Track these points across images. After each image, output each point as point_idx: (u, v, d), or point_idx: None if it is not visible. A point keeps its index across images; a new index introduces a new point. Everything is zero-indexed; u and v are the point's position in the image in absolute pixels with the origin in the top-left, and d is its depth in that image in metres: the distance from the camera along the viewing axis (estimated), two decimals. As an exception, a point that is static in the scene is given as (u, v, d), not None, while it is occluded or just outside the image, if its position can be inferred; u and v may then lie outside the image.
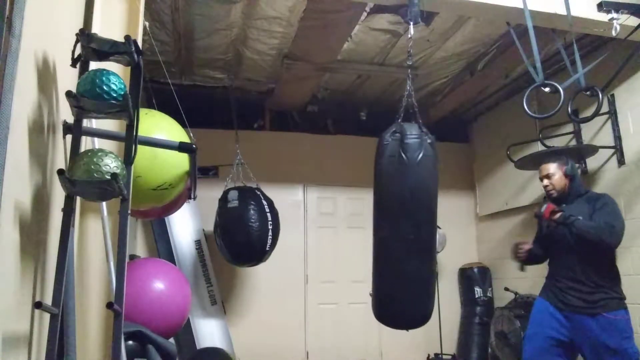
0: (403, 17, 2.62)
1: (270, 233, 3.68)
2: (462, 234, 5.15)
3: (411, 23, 2.54)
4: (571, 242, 2.59)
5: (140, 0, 2.22)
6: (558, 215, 2.57)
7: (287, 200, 4.88)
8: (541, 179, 2.78)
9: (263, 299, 4.60)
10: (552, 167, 2.73)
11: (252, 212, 3.64)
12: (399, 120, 2.45)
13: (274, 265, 4.59)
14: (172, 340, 2.85)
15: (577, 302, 2.57)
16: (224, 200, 3.75)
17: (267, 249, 3.71)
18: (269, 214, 3.71)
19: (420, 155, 2.38)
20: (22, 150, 1.14)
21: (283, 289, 4.71)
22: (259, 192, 3.82)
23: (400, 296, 2.39)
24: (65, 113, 1.41)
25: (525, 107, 2.61)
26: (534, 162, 3.93)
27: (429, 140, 2.41)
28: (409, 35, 2.52)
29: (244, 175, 4.11)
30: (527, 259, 2.86)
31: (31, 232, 1.21)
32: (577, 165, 2.78)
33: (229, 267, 4.28)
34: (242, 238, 3.65)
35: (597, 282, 2.55)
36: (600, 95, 2.61)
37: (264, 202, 3.75)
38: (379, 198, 2.53)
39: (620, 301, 2.56)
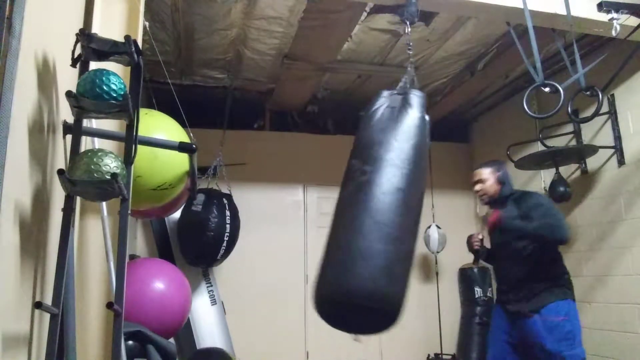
0: (401, 16, 2.61)
1: (224, 244, 3.75)
2: (462, 234, 5.12)
3: (407, 23, 2.53)
4: (510, 247, 2.69)
5: (140, 0, 2.22)
6: (503, 219, 2.66)
7: (287, 200, 4.88)
8: (473, 184, 2.86)
9: (263, 299, 4.60)
10: (486, 173, 2.80)
11: (211, 220, 3.71)
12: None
13: (274, 265, 4.60)
14: (172, 340, 2.85)
15: (515, 306, 2.66)
16: (190, 200, 3.79)
17: (219, 258, 3.80)
18: (228, 225, 3.77)
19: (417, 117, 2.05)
20: (22, 150, 1.14)
21: (283, 289, 4.71)
22: (226, 200, 3.86)
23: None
24: (65, 113, 1.41)
25: (525, 107, 2.60)
26: (534, 162, 3.94)
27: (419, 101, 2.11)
28: (406, 33, 2.51)
29: (230, 178, 4.12)
30: (482, 253, 3.02)
31: (31, 232, 1.21)
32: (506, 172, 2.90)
33: (229, 267, 4.28)
34: (196, 243, 3.74)
35: (534, 285, 2.61)
36: (600, 95, 2.61)
37: (227, 213, 3.80)
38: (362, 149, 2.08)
39: (559, 294, 2.58)
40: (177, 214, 3.98)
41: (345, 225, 1.86)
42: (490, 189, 2.79)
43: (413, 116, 2.06)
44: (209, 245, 3.72)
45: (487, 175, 2.80)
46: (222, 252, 3.77)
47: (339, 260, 1.85)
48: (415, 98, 2.10)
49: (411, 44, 2.46)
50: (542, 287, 2.59)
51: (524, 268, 2.64)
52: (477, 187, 2.83)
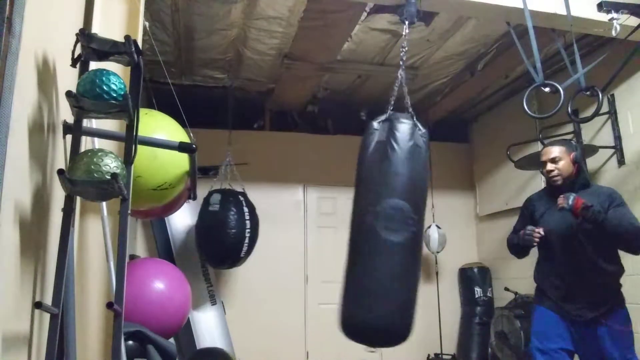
0: (400, 16, 2.61)
1: (247, 240, 3.73)
2: (462, 234, 5.15)
3: (406, 22, 2.53)
4: (575, 238, 2.37)
5: (140, 0, 2.22)
6: (590, 211, 2.27)
7: (287, 200, 4.88)
8: (544, 164, 2.49)
9: (263, 299, 4.60)
10: (559, 151, 2.47)
11: (231, 218, 3.69)
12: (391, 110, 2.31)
13: (274, 265, 4.60)
14: (172, 340, 2.85)
15: (578, 309, 2.38)
16: (206, 202, 3.78)
17: (242, 255, 3.78)
18: (248, 222, 3.76)
19: (411, 144, 2.15)
20: (22, 150, 1.14)
21: (283, 289, 4.71)
22: (242, 198, 3.85)
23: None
24: (65, 113, 1.41)
25: (525, 107, 2.60)
26: (534, 162, 3.94)
27: (420, 132, 2.20)
28: (404, 34, 2.51)
29: (234, 177, 4.12)
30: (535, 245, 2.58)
31: (31, 232, 1.21)
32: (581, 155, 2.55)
33: (229, 267, 4.27)
34: (219, 242, 3.71)
35: (603, 282, 2.38)
36: (600, 95, 2.60)
37: (245, 209, 3.79)
38: (361, 185, 2.30)
39: (622, 301, 2.45)
40: (184, 217, 4.00)
41: (406, 270, 2.11)
42: (565, 169, 2.45)
43: (428, 154, 2.24)
44: (232, 244, 3.69)
45: (561, 154, 2.46)
46: (245, 249, 3.74)
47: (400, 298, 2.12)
48: (426, 135, 2.24)
49: (407, 47, 2.45)
50: (609, 292, 2.39)
51: (591, 267, 2.36)
52: (550, 166, 2.46)
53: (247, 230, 3.74)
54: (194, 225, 4.16)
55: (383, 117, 2.25)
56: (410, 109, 2.30)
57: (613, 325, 2.33)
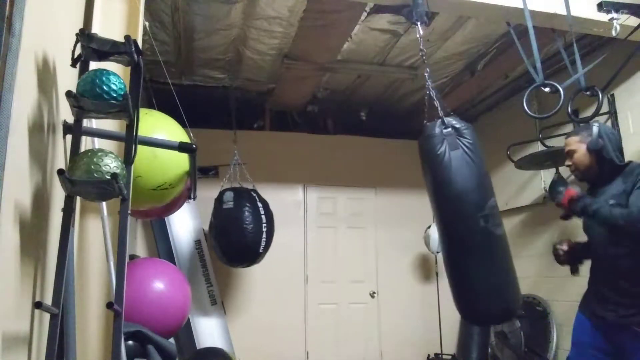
0: (409, 18, 2.59)
1: (264, 235, 3.71)
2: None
3: (418, 24, 2.52)
4: (606, 239, 2.10)
5: (140, 0, 2.22)
6: (578, 205, 2.06)
7: (287, 200, 4.88)
8: (566, 157, 2.29)
9: (263, 299, 4.60)
10: (574, 142, 2.21)
11: (246, 213, 3.67)
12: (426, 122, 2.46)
13: (274, 265, 4.60)
14: (172, 340, 2.85)
15: (611, 315, 2.09)
16: (219, 201, 3.77)
17: (261, 250, 3.74)
18: (263, 216, 3.74)
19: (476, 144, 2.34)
20: (22, 150, 1.14)
21: (283, 289, 4.71)
22: (254, 194, 3.84)
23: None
24: (65, 113, 1.41)
25: (525, 107, 2.60)
26: (534, 162, 3.94)
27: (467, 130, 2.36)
28: (418, 36, 2.51)
29: (241, 176, 4.12)
30: (573, 261, 2.36)
31: (31, 232, 1.21)
32: (605, 135, 2.16)
33: (229, 267, 4.28)
34: (236, 240, 3.68)
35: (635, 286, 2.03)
36: (600, 95, 2.60)
37: (259, 204, 3.77)
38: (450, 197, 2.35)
39: None
40: (183, 216, 3.99)
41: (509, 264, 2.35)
42: (581, 161, 2.17)
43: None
44: (250, 239, 3.67)
45: (576, 145, 2.19)
46: (263, 244, 3.72)
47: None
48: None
49: (422, 48, 2.49)
50: None
51: (624, 269, 2.05)
52: (568, 161, 2.25)
53: (264, 225, 3.71)
54: (200, 227, 4.17)
55: (440, 124, 2.37)
56: (450, 112, 2.47)
57: None
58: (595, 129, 2.14)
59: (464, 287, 2.36)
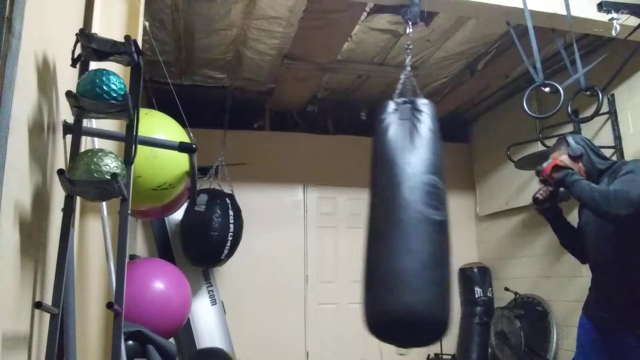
0: (403, 16, 2.60)
1: (228, 243, 3.75)
2: (462, 234, 5.14)
3: (410, 22, 2.53)
4: (602, 236, 2.03)
5: (140, 0, 2.22)
6: (561, 172, 2.04)
7: (287, 200, 4.88)
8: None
9: (263, 299, 4.60)
10: (555, 156, 2.23)
11: (215, 220, 3.71)
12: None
13: (274, 265, 4.60)
14: (172, 340, 2.85)
15: (608, 316, 2.04)
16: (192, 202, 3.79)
17: (222, 257, 3.80)
18: (232, 225, 3.78)
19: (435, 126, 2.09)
20: (22, 150, 1.14)
21: (283, 289, 4.71)
22: (229, 200, 3.87)
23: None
24: (65, 113, 1.41)
25: (525, 107, 2.60)
26: (534, 162, 3.94)
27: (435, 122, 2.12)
28: (407, 33, 2.51)
29: (231, 177, 4.13)
30: (550, 203, 2.27)
31: (31, 232, 1.21)
32: (581, 141, 2.19)
33: (229, 267, 4.28)
34: (200, 244, 3.74)
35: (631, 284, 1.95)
36: (600, 95, 2.60)
37: (231, 212, 3.81)
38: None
39: None
40: (179, 215, 4.00)
41: (443, 257, 1.86)
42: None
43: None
44: (213, 245, 3.72)
45: (560, 158, 2.20)
46: (226, 251, 3.77)
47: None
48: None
49: (411, 45, 2.44)
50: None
51: (620, 268, 1.98)
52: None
53: (230, 234, 3.77)
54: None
55: (401, 100, 2.14)
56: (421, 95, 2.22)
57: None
58: (570, 138, 2.20)
59: (370, 273, 1.89)
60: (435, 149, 2.04)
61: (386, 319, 1.79)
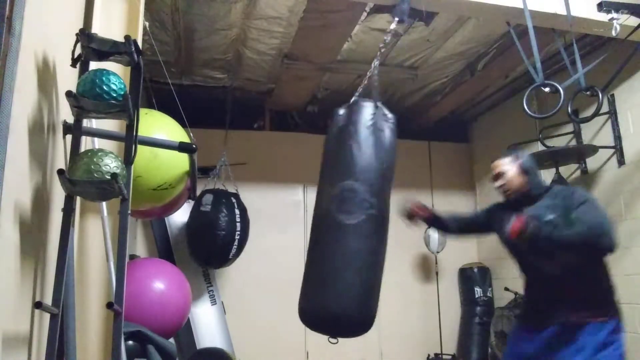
0: (392, 14, 2.61)
1: (235, 242, 3.74)
2: (462, 234, 5.14)
3: (396, 19, 2.54)
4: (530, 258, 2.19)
5: (140, 0, 2.22)
6: (526, 234, 1.94)
7: (287, 200, 4.88)
8: (494, 180, 2.29)
9: (263, 299, 4.60)
10: (505, 164, 2.25)
11: (221, 219, 3.69)
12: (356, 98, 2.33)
13: (274, 265, 4.60)
14: (172, 340, 2.85)
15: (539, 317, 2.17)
16: (198, 202, 3.78)
17: (230, 257, 3.78)
18: (238, 224, 3.76)
19: (371, 128, 2.17)
20: (22, 150, 1.14)
21: (283, 288, 4.70)
22: (234, 199, 3.85)
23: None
24: (65, 113, 1.41)
25: (525, 107, 2.60)
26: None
27: (385, 117, 2.22)
28: (390, 29, 2.52)
29: (234, 178, 4.13)
30: (421, 217, 2.43)
31: (31, 232, 1.21)
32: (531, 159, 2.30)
33: (229, 267, 4.28)
34: (208, 244, 3.71)
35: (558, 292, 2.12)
36: (600, 95, 2.60)
37: (237, 211, 3.79)
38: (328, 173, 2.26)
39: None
40: (179, 217, 4.00)
41: (362, 255, 2.07)
42: (514, 181, 2.21)
43: (395, 143, 2.22)
44: (221, 245, 3.70)
45: (507, 166, 2.23)
46: (233, 251, 3.75)
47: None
48: (394, 122, 2.24)
49: (387, 39, 2.45)
50: (564, 304, 2.13)
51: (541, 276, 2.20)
52: (498, 182, 2.25)
53: (237, 233, 3.75)
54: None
55: (347, 105, 2.27)
56: (377, 98, 2.31)
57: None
58: (524, 152, 2.31)
59: (304, 272, 2.17)
60: (365, 152, 2.11)
61: (308, 313, 2.12)
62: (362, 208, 2.02)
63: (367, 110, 2.20)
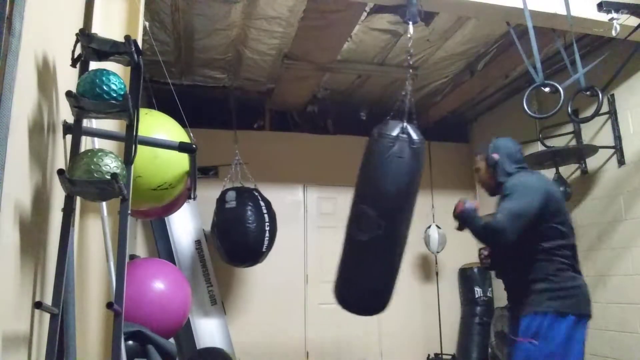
0: (402, 17, 2.61)
1: (267, 234, 3.71)
2: (462, 234, 5.10)
3: (410, 23, 2.53)
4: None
5: (140, 0, 2.22)
6: (461, 214, 2.19)
7: (287, 200, 4.88)
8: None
9: (263, 299, 4.60)
10: (478, 160, 2.36)
11: (249, 213, 3.67)
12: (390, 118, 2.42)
13: (274, 265, 4.60)
14: (172, 340, 2.85)
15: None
16: (221, 200, 3.77)
17: (264, 250, 3.74)
18: (266, 215, 3.74)
19: (388, 156, 2.34)
20: (22, 150, 1.14)
21: (283, 289, 4.71)
22: (256, 193, 3.84)
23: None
24: (65, 113, 1.41)
25: (525, 107, 2.60)
26: (534, 162, 3.93)
27: (410, 141, 2.34)
28: (409, 35, 2.52)
29: (242, 175, 4.12)
30: (494, 265, 2.44)
31: (31, 232, 1.21)
32: (502, 149, 2.32)
33: (229, 267, 4.28)
34: (239, 239, 3.68)
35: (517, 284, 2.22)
36: (600, 95, 2.60)
37: (262, 203, 3.78)
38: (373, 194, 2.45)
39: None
40: (188, 219, 3.97)
41: (363, 267, 2.48)
42: (484, 177, 2.32)
43: (420, 165, 2.42)
44: (253, 238, 3.67)
45: (480, 163, 2.34)
46: (266, 243, 3.72)
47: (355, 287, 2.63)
48: (420, 144, 2.38)
49: (412, 51, 2.48)
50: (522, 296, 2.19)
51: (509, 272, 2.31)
52: (476, 177, 2.40)
53: (267, 224, 3.72)
54: (200, 227, 4.16)
55: (378, 127, 2.42)
56: (405, 120, 2.39)
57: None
58: (490, 145, 2.32)
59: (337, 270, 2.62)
60: (379, 179, 2.37)
61: (338, 300, 2.69)
62: (372, 228, 2.35)
63: (389, 137, 2.34)
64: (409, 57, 2.54)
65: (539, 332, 2.00)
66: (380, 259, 2.42)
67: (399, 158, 2.29)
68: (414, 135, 2.33)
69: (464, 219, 2.16)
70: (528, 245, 2.08)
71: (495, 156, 2.27)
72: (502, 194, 2.15)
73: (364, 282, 2.47)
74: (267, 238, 3.71)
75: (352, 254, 2.51)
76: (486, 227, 2.06)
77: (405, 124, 2.33)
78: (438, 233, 4.71)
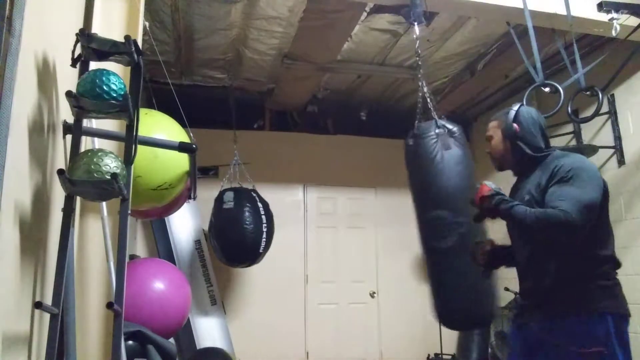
0: (406, 18, 2.60)
1: (264, 235, 3.73)
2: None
3: (415, 24, 2.53)
4: (521, 240, 1.87)
5: (140, 0, 2.22)
6: (490, 200, 1.76)
7: (287, 200, 4.88)
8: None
9: (263, 299, 4.60)
10: (492, 127, 1.92)
11: (247, 214, 3.69)
12: (418, 122, 2.52)
13: (274, 265, 4.60)
14: (172, 340, 2.85)
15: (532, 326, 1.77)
16: (219, 201, 3.78)
17: (261, 250, 3.76)
18: (263, 216, 3.75)
19: (437, 153, 2.41)
20: (22, 150, 1.14)
21: (283, 289, 4.71)
22: (254, 194, 3.86)
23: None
24: (65, 113, 1.41)
25: (525, 107, 2.60)
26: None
27: (451, 133, 2.44)
28: (415, 36, 2.52)
29: (241, 176, 4.13)
30: (491, 264, 1.98)
31: (31, 232, 1.21)
32: (524, 119, 1.85)
33: (228, 267, 4.28)
34: (236, 239, 3.70)
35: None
36: (600, 95, 2.61)
37: (259, 204, 3.79)
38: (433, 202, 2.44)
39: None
40: (188, 219, 3.97)
41: (456, 275, 2.39)
42: (496, 148, 1.89)
43: (466, 150, 2.47)
44: (250, 239, 3.69)
45: (493, 130, 1.90)
46: (263, 244, 3.73)
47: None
48: (459, 132, 2.46)
49: (419, 51, 2.51)
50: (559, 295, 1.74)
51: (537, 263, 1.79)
52: (487, 148, 1.95)
53: (264, 225, 3.74)
54: (200, 227, 4.16)
55: (412, 133, 2.48)
56: (435, 116, 2.51)
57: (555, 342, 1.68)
58: (511, 113, 1.85)
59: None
60: (439, 179, 2.38)
61: (446, 323, 2.62)
62: (452, 230, 2.33)
63: (429, 136, 2.42)
64: (417, 59, 2.54)
65: (613, 338, 1.68)
66: (462, 264, 2.27)
67: (447, 151, 2.36)
68: (450, 126, 2.44)
69: (496, 205, 1.73)
70: (583, 240, 1.68)
71: (516, 127, 1.83)
72: (546, 174, 1.72)
73: (463, 291, 2.31)
74: (264, 239, 3.73)
75: (440, 265, 2.41)
76: (549, 218, 1.61)
77: (437, 119, 2.43)
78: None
